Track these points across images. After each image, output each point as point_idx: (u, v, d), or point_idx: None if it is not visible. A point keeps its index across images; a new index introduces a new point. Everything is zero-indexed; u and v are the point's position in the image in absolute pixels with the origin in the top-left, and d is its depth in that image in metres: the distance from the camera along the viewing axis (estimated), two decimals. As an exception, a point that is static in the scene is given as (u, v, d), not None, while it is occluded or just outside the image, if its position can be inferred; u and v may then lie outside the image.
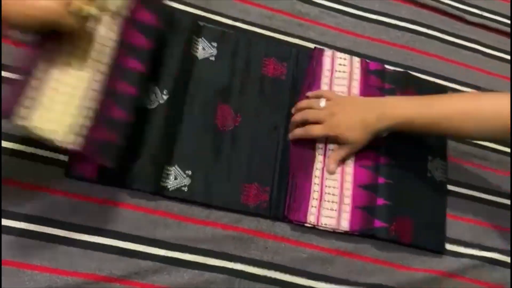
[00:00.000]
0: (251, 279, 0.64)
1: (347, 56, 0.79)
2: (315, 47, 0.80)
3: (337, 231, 0.68)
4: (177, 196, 0.66)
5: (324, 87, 0.76)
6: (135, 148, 0.65)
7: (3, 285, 0.57)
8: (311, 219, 0.68)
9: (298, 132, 0.71)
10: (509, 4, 0.96)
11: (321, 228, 0.68)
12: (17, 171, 0.62)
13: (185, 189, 0.66)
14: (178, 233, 0.64)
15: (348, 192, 0.70)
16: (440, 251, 0.73)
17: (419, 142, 0.76)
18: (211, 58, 0.74)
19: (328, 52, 0.79)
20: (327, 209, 0.69)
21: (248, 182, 0.69)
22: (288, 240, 0.68)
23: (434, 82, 0.83)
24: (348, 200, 0.70)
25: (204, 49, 0.74)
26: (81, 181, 0.63)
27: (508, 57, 0.91)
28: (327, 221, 0.68)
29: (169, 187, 0.66)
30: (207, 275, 0.63)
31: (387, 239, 0.70)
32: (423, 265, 0.71)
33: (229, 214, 0.67)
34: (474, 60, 0.88)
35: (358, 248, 0.70)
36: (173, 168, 0.67)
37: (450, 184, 0.77)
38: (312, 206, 0.69)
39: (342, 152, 0.71)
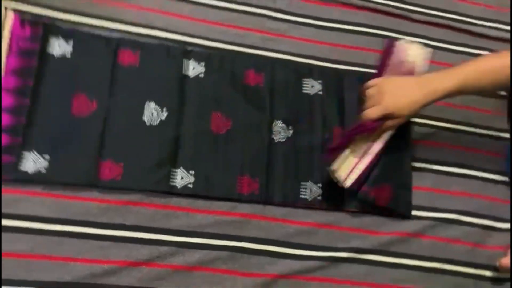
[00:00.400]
0: (250, 253, 0.80)
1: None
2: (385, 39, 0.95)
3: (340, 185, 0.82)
4: (185, 192, 0.81)
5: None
6: (147, 158, 0.80)
7: (54, 275, 0.72)
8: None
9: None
10: (447, 1, 1.10)
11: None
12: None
13: (191, 186, 0.81)
14: (187, 222, 0.79)
15: (366, 160, 0.84)
16: (408, 216, 0.87)
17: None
18: (200, 76, 0.89)
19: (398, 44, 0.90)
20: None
21: (241, 174, 0.84)
22: (277, 220, 0.83)
23: None
24: (362, 167, 0.83)
25: (194, 69, 0.89)
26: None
27: (454, 47, 1.06)
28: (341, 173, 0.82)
29: (177, 186, 0.81)
30: (214, 253, 0.78)
31: (365, 202, 0.85)
32: (391, 229, 0.87)
33: (227, 203, 0.82)
34: (424, 53, 1.03)
35: (336, 221, 0.85)
36: (179, 170, 0.82)
37: (414, 161, 0.92)
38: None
39: (391, 123, 0.81)
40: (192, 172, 0.82)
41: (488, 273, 0.88)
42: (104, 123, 0.81)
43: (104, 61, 0.84)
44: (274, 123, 0.88)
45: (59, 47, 0.84)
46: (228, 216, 0.81)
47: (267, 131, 0.88)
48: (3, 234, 0.72)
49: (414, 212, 0.89)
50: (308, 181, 0.86)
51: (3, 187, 0.74)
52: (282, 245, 0.82)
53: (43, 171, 0.76)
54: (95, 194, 0.77)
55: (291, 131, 0.89)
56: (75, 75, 0.83)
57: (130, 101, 0.83)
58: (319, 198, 0.85)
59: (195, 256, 0.77)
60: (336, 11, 1.02)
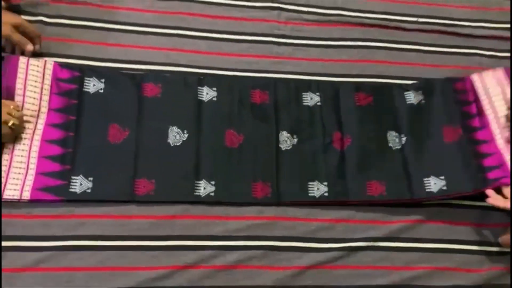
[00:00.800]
0: (279, 250, 0.94)
1: None
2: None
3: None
4: (208, 200, 0.95)
5: None
6: (174, 174, 0.95)
7: (120, 282, 0.87)
8: None
9: None
10: (433, 7, 1.22)
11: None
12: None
13: (213, 194, 0.96)
14: (223, 228, 0.93)
15: None
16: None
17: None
18: (213, 99, 1.03)
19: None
20: None
21: (255, 181, 0.98)
22: (300, 219, 0.96)
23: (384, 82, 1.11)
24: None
25: (208, 94, 1.03)
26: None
27: (445, 49, 1.18)
28: None
29: (201, 195, 0.95)
30: (249, 252, 0.92)
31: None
32: (401, 218, 0.99)
33: (255, 209, 0.96)
34: (417, 58, 1.15)
35: (351, 215, 0.98)
36: (202, 181, 0.96)
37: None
38: None
39: None
40: (213, 182, 0.97)
41: (492, 249, 0.99)
42: (136, 147, 0.96)
43: (131, 95, 1.00)
44: (280, 134, 1.02)
45: (93, 85, 1.00)
46: (257, 220, 0.95)
47: (275, 142, 1.01)
48: (74, 253, 0.88)
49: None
50: (314, 181, 0.99)
51: (70, 212, 0.90)
52: (306, 241, 0.95)
53: (89, 191, 0.92)
54: (145, 211, 0.93)
55: (295, 139, 1.02)
56: (109, 108, 0.99)
57: (156, 127, 0.99)
58: (326, 194, 0.98)
59: (233, 256, 0.91)
60: (334, 30, 1.15)
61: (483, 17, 1.22)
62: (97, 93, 0.99)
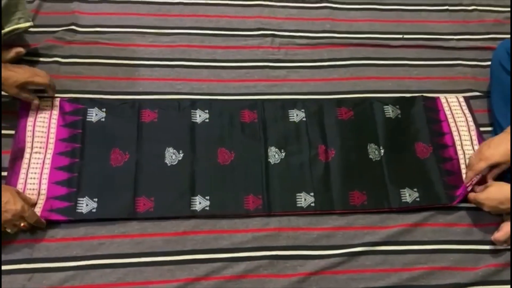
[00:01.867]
0: (284, 258, 1.00)
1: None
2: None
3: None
4: (203, 214, 1.03)
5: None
6: (171, 191, 1.03)
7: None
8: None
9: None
10: (416, 24, 1.30)
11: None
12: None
13: (207, 208, 1.04)
14: (231, 241, 1.01)
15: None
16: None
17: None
18: (206, 120, 1.11)
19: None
20: None
21: (247, 194, 1.05)
22: (302, 229, 1.03)
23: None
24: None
25: (200, 116, 1.11)
26: (166, 224, 1.01)
27: (430, 62, 1.25)
28: None
29: (197, 210, 1.03)
30: (255, 262, 0.99)
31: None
32: (396, 223, 1.05)
33: (260, 221, 1.03)
34: (404, 72, 1.23)
35: (349, 223, 1.05)
36: (197, 197, 1.04)
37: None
38: None
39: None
40: (207, 197, 1.05)
41: (486, 247, 1.04)
42: (135, 168, 1.05)
43: (130, 121, 1.10)
44: (269, 149, 1.11)
45: (95, 115, 1.10)
46: (262, 232, 1.02)
47: (264, 157, 1.10)
48: (96, 271, 0.96)
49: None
50: (302, 192, 1.07)
51: (90, 234, 0.99)
52: (309, 249, 1.02)
53: (94, 210, 1.01)
54: (158, 229, 1.01)
55: (283, 154, 1.11)
56: (110, 134, 1.08)
57: (154, 149, 1.08)
58: (312, 205, 1.06)
59: (241, 267, 0.98)
60: (325, 52, 1.24)
61: (464, 30, 1.30)
62: (99, 121, 1.10)
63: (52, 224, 0.99)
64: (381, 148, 1.12)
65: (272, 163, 1.09)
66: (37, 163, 1.03)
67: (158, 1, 1.30)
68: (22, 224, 0.93)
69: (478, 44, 1.29)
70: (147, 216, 1.01)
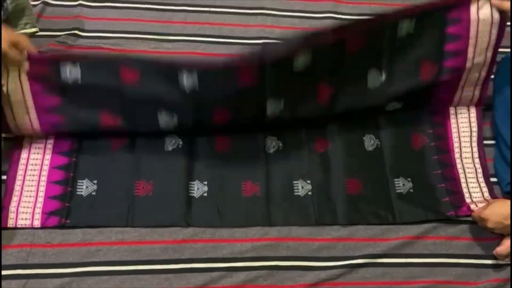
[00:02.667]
0: (284, 269, 0.99)
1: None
2: None
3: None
4: (203, 202, 1.03)
5: None
6: (170, 176, 1.04)
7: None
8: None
9: None
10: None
11: None
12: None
13: (205, 194, 1.04)
14: (230, 250, 0.99)
15: None
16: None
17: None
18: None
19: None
20: None
21: (244, 181, 1.06)
22: (302, 239, 1.02)
23: None
24: None
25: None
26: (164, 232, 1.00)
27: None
28: None
29: (195, 196, 1.03)
30: (255, 273, 0.98)
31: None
32: (398, 235, 1.04)
33: (259, 230, 1.02)
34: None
35: (350, 234, 1.03)
36: (195, 182, 1.05)
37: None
38: None
39: None
40: (205, 183, 1.05)
41: (487, 261, 1.03)
42: (136, 153, 1.06)
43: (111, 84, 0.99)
44: (267, 138, 1.11)
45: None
46: (262, 242, 1.01)
47: (262, 145, 1.10)
48: (92, 278, 0.94)
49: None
50: (299, 180, 1.07)
51: (87, 240, 0.97)
52: (309, 260, 1.00)
53: (94, 193, 1.01)
54: (156, 237, 0.99)
55: (280, 143, 1.11)
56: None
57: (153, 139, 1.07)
58: (310, 193, 1.06)
59: (240, 277, 0.97)
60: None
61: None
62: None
63: (48, 229, 0.97)
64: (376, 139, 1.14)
65: (270, 151, 1.10)
66: (37, 161, 1.03)
67: (161, 7, 1.30)
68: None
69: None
70: (146, 200, 1.01)
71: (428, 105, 1.17)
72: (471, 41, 1.05)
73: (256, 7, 1.32)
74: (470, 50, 1.05)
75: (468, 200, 1.08)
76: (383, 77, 1.09)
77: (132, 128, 1.05)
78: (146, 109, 1.03)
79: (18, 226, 0.96)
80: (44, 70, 0.97)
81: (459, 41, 1.04)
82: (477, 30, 1.03)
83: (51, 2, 1.27)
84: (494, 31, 1.04)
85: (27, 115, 0.99)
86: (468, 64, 1.07)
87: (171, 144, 1.08)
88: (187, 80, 0.96)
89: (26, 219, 0.97)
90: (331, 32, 0.99)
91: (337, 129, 1.14)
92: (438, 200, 1.08)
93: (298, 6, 1.34)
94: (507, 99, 1.11)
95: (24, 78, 0.96)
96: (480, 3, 1.02)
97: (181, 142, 1.08)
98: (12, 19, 1.04)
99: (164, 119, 1.04)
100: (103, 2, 1.29)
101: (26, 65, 0.95)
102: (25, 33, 1.07)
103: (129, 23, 1.26)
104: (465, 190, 1.09)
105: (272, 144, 1.11)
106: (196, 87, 0.97)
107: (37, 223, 0.97)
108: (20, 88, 0.96)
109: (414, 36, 1.04)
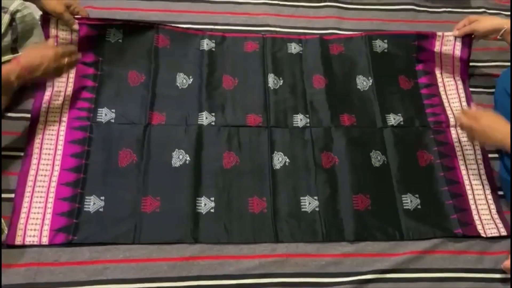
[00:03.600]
0: (292, 286, 0.98)
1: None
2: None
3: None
4: (210, 218, 1.03)
5: None
6: (178, 193, 1.04)
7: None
8: None
9: None
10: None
11: None
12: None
13: (212, 210, 1.04)
14: (237, 267, 0.99)
15: None
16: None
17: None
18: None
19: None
20: None
21: (251, 196, 1.06)
22: (310, 255, 1.02)
23: None
24: None
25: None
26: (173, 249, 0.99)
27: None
28: None
29: (202, 212, 1.03)
30: (262, 290, 0.97)
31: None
32: (406, 250, 1.04)
33: (267, 247, 1.01)
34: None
35: (358, 249, 1.03)
36: (202, 198, 1.05)
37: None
38: None
39: None
40: (212, 199, 1.05)
41: (496, 275, 1.02)
42: (142, 169, 1.06)
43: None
44: (274, 154, 1.12)
45: (105, 115, 1.12)
46: (270, 258, 1.00)
47: (269, 160, 1.11)
48: (100, 297, 0.94)
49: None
50: (306, 196, 1.07)
51: (95, 258, 0.97)
52: (317, 276, 1.00)
53: (101, 210, 1.01)
54: (163, 254, 0.99)
55: (287, 159, 1.12)
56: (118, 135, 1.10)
57: (160, 151, 1.09)
58: (317, 209, 1.06)
59: (248, 294, 0.97)
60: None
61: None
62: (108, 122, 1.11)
63: (56, 246, 0.97)
64: (383, 155, 1.15)
65: (277, 167, 1.11)
66: (45, 177, 1.03)
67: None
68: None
69: (484, 71, 1.30)
70: (153, 217, 1.01)
71: (429, 128, 1.20)
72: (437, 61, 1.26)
73: (260, 24, 1.33)
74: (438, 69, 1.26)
75: (476, 217, 1.08)
76: (370, 80, 1.24)
77: (144, 164, 1.08)
78: (168, 70, 1.20)
79: (26, 243, 0.96)
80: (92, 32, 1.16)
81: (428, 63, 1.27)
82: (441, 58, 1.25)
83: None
84: (458, 50, 1.20)
85: None
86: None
87: (178, 160, 1.08)
88: (206, 45, 1.24)
89: (34, 236, 0.97)
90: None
91: (344, 145, 1.14)
92: (446, 217, 1.08)
93: (301, 23, 1.36)
94: (507, 112, 1.11)
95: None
96: (444, 40, 1.22)
97: (188, 158, 1.09)
98: (21, 38, 1.05)
99: (181, 79, 1.18)
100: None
101: (75, 27, 1.13)
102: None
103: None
104: (473, 207, 1.09)
105: (279, 160, 1.11)
106: (213, 48, 1.24)
107: (45, 240, 0.97)
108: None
109: (390, 54, 1.27)
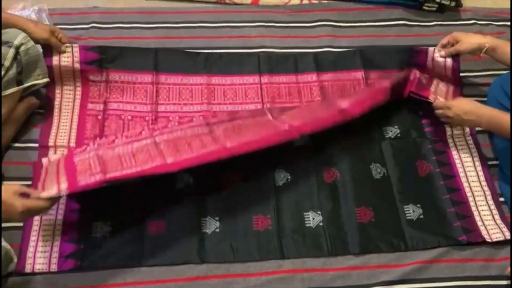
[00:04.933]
0: (299, 301, 0.99)
1: None
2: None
3: None
4: (215, 237, 1.04)
5: None
6: (182, 214, 1.05)
7: None
8: None
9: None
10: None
11: None
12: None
13: (217, 230, 1.05)
14: (245, 285, 1.00)
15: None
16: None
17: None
18: (216, 230, 1.07)
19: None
20: None
21: (255, 215, 1.07)
22: (316, 270, 1.02)
23: None
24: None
25: (211, 224, 1.07)
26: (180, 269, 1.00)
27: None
28: None
29: (208, 232, 1.04)
30: (272, 307, 0.98)
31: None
32: (412, 260, 1.04)
33: (273, 264, 1.02)
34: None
35: (364, 262, 1.04)
36: (207, 218, 1.06)
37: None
38: None
39: None
40: (217, 218, 1.06)
41: (503, 282, 1.02)
42: (147, 191, 1.07)
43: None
44: (276, 171, 1.13)
45: None
46: (276, 274, 1.01)
47: (272, 178, 1.12)
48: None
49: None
50: (309, 211, 1.09)
51: (104, 282, 0.97)
52: (324, 291, 1.00)
53: (108, 235, 1.02)
54: (171, 275, 1.00)
55: (289, 175, 1.13)
56: None
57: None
58: (321, 224, 1.07)
59: (257, 311, 0.97)
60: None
61: (462, 67, 1.33)
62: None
63: (64, 273, 0.98)
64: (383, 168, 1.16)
65: (280, 184, 1.12)
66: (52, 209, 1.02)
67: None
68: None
69: (477, 81, 1.33)
70: (158, 238, 1.02)
71: (426, 138, 1.22)
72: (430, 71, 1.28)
73: (256, 46, 1.37)
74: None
75: (479, 223, 1.08)
76: None
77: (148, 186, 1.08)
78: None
79: (36, 271, 0.97)
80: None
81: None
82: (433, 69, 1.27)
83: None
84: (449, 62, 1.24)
85: None
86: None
87: (182, 181, 1.10)
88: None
89: (43, 263, 0.98)
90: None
91: (344, 159, 1.16)
92: (449, 224, 1.09)
93: (296, 43, 1.39)
94: None
95: None
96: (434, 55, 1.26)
97: (191, 179, 1.10)
98: (25, 71, 1.09)
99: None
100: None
101: (64, 48, 1.20)
102: (36, 84, 1.13)
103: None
104: (475, 213, 1.10)
105: (281, 177, 1.13)
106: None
107: (54, 267, 0.98)
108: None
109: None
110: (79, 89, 1.21)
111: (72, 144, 1.13)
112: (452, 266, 1.04)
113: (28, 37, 1.09)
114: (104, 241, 1.02)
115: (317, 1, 1.49)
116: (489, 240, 1.05)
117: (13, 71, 1.06)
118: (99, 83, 1.22)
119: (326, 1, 1.49)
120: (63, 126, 1.16)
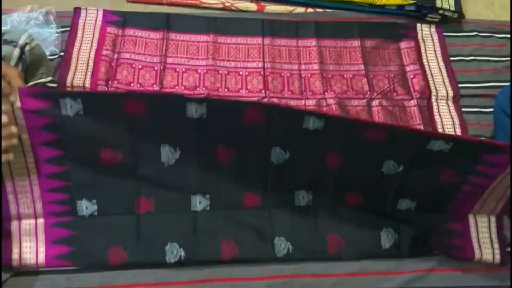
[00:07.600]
0: (300, 306, 0.99)
1: None
2: None
3: None
4: (205, 215, 1.02)
5: None
6: (171, 191, 1.03)
7: None
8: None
9: None
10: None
11: None
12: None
13: (208, 208, 1.04)
14: (246, 289, 1.00)
15: None
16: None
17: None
18: (206, 209, 1.04)
19: None
20: None
21: (245, 191, 1.06)
22: (317, 275, 1.02)
23: None
24: None
25: (197, 111, 0.94)
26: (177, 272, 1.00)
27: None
28: None
29: (198, 210, 1.03)
30: (272, 312, 0.98)
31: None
32: (412, 268, 1.04)
33: (275, 268, 1.02)
34: (409, 119, 1.27)
35: (363, 268, 1.04)
36: (197, 195, 1.04)
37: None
38: None
39: None
40: (207, 196, 1.05)
41: (504, 292, 1.03)
42: (133, 170, 1.00)
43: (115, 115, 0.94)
44: (272, 148, 1.01)
45: (70, 106, 0.90)
46: (278, 279, 1.01)
47: (266, 154, 1.02)
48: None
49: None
50: (301, 189, 1.06)
51: (107, 284, 0.97)
52: (325, 297, 1.00)
53: (95, 213, 1.00)
54: (172, 278, 1.00)
55: (287, 155, 1.02)
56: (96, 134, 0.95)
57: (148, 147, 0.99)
58: (310, 203, 1.06)
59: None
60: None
61: (465, 79, 1.35)
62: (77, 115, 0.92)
63: (66, 271, 0.98)
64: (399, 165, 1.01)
65: (275, 163, 1.03)
66: (27, 194, 0.97)
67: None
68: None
69: (479, 92, 1.34)
70: (148, 218, 1.01)
71: (445, 212, 1.06)
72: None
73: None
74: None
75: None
76: (401, 168, 1.00)
77: (133, 163, 1.00)
78: (149, 143, 0.99)
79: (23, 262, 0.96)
80: (38, 105, 0.89)
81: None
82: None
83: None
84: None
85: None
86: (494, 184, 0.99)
87: (172, 256, 1.01)
88: (195, 110, 0.94)
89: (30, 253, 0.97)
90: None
91: (351, 226, 1.07)
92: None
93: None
94: (506, 131, 1.14)
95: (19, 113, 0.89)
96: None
97: (178, 155, 1.02)
98: (30, 69, 1.10)
99: (166, 154, 1.00)
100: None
101: (17, 101, 0.87)
102: (40, 82, 1.15)
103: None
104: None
105: (282, 246, 1.04)
106: (204, 114, 0.95)
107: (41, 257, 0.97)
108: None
109: (446, 155, 0.95)
110: (96, 39, 1.33)
111: (87, 85, 1.24)
112: (452, 275, 1.04)
113: (33, 37, 1.10)
114: (92, 220, 0.99)
115: (321, 10, 1.51)
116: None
117: (18, 71, 1.07)
118: (115, 36, 1.35)
119: (330, 10, 1.51)
120: (80, 68, 1.27)
